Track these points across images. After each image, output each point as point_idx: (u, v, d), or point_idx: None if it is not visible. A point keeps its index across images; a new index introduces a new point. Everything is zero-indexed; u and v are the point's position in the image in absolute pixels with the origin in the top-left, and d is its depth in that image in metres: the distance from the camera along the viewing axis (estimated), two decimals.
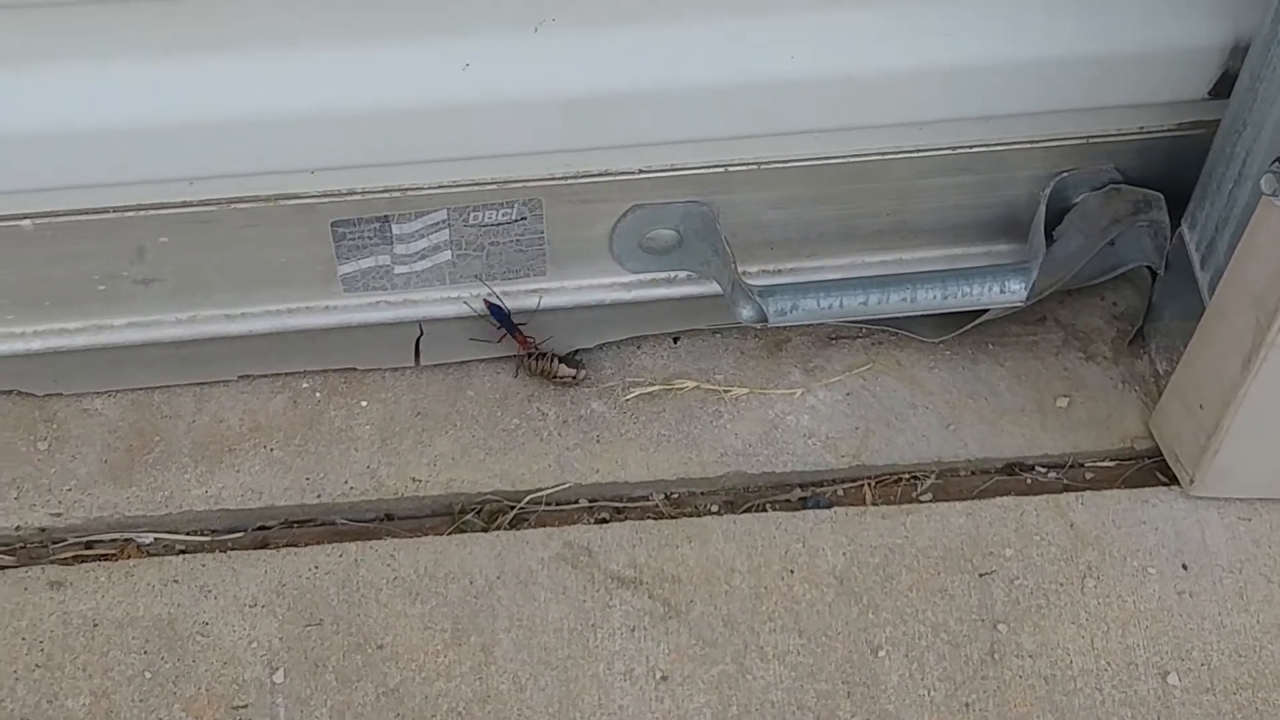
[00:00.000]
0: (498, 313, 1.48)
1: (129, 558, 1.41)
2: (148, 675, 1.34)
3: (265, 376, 1.52)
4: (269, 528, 1.46)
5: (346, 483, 1.44)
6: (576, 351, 1.53)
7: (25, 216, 1.35)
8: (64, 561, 1.43)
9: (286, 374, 1.53)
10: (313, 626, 1.38)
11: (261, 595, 1.39)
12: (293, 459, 1.46)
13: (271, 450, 1.46)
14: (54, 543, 1.45)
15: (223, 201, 1.37)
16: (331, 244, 1.42)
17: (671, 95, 1.33)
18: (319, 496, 1.43)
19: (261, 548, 1.45)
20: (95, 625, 1.38)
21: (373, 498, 1.46)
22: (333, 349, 1.52)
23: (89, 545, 1.45)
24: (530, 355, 1.50)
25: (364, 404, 1.52)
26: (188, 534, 1.45)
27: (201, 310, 1.47)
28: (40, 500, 1.43)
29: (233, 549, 1.45)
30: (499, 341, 1.50)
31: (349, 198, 1.39)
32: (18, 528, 1.42)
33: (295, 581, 1.40)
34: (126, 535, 1.44)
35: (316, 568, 1.39)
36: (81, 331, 1.47)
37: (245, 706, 1.33)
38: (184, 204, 1.37)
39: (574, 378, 1.50)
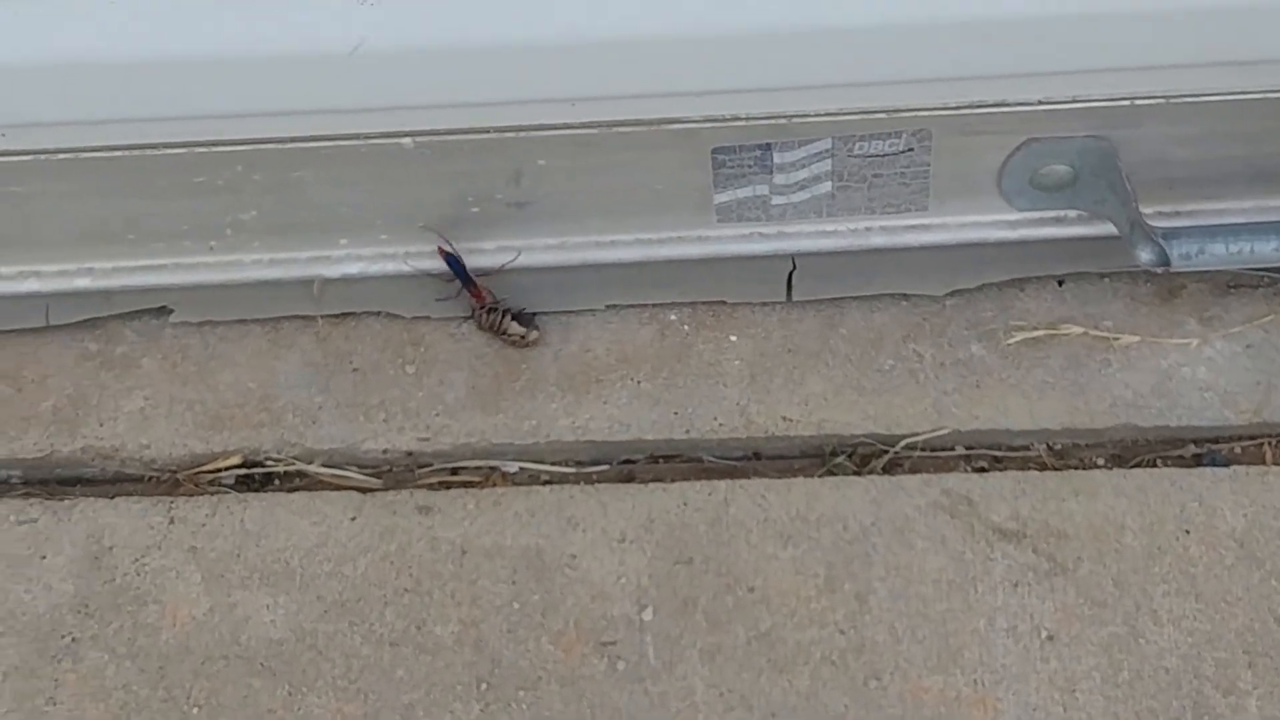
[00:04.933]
0: (453, 263, 1.47)
1: (495, 486, 1.43)
2: (515, 606, 1.37)
3: (633, 307, 1.54)
4: (634, 462, 1.48)
5: (715, 419, 1.46)
6: (532, 313, 1.53)
7: (407, 134, 1.38)
8: (430, 487, 1.46)
9: (654, 305, 1.54)
10: (682, 565, 1.39)
11: (630, 530, 1.41)
12: (660, 392, 1.48)
13: (639, 383, 1.48)
14: (420, 467, 1.49)
15: (603, 124, 1.38)
16: (710, 171, 1.42)
17: (1077, 20, 1.31)
18: (687, 432, 1.45)
19: (627, 481, 1.46)
20: (464, 552, 1.41)
21: (742, 435, 1.47)
22: (703, 281, 1.53)
23: (454, 472, 1.48)
24: (483, 308, 1.50)
25: (733, 338, 1.53)
26: (553, 464, 1.48)
27: (572, 236, 1.49)
28: (408, 424, 1.47)
29: (599, 481, 1.46)
30: (456, 296, 1.51)
31: (732, 124, 1.39)
32: (385, 451, 1.45)
33: (664, 518, 1.42)
34: (492, 463, 1.46)
35: (685, 504, 1.41)
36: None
37: (614, 643, 1.35)
38: (564, 126, 1.38)
39: (523, 337, 1.50)
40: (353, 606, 1.40)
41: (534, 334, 1.52)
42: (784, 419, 1.49)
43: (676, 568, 1.40)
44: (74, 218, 1.44)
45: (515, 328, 1.51)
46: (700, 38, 1.34)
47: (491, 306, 1.51)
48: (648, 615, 1.38)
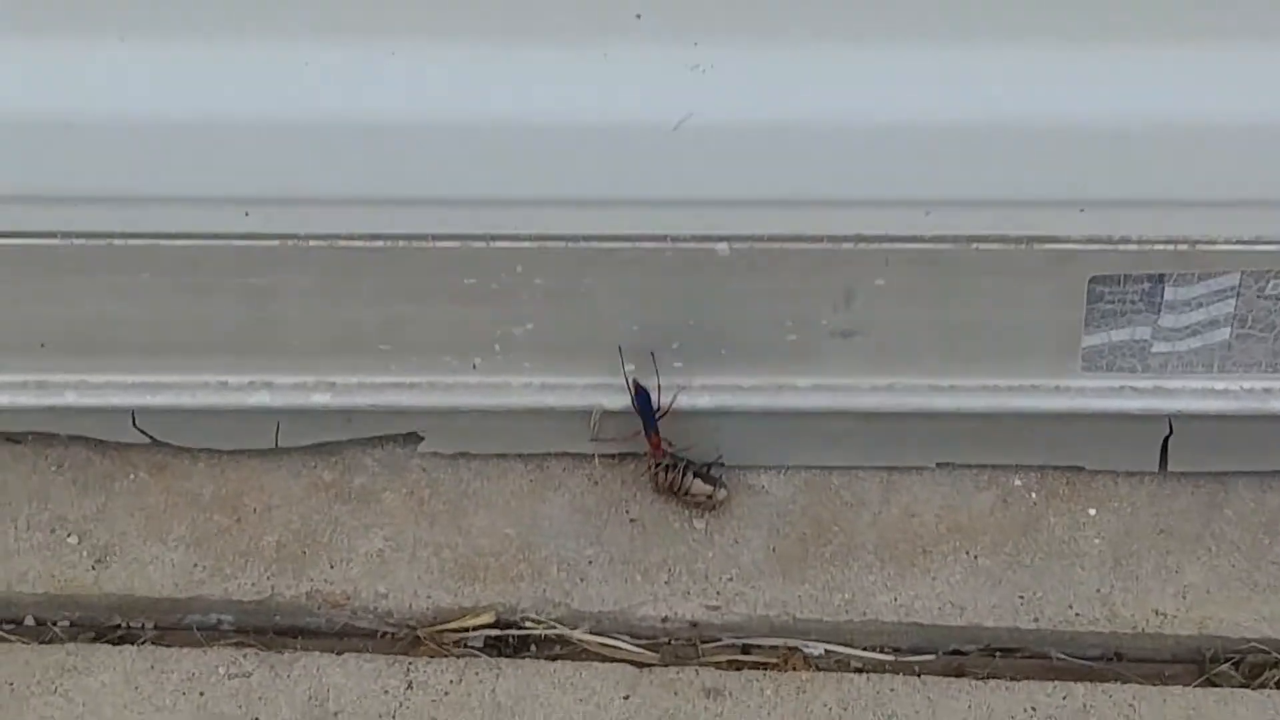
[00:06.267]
0: (645, 403, 1.24)
1: (795, 670, 1.21)
2: None
3: (969, 467, 1.32)
4: (966, 653, 1.26)
5: (1071, 608, 1.25)
6: (712, 466, 1.29)
7: (723, 238, 1.18)
8: (718, 666, 1.25)
9: (995, 467, 1.32)
10: None
11: None
12: (1003, 571, 1.27)
13: (975, 558, 1.28)
14: (705, 642, 1.28)
15: (963, 239, 1.17)
16: (1083, 307, 1.20)
17: None
18: (1035, 621, 1.25)
19: (958, 675, 1.24)
20: None
21: (1103, 630, 1.25)
22: (1057, 441, 1.30)
23: (746, 650, 1.27)
24: (659, 464, 1.26)
25: (1092, 512, 1.31)
26: (865, 649, 1.26)
27: (904, 378, 1.27)
28: (695, 589, 1.28)
29: (923, 674, 1.24)
30: (632, 437, 1.27)
31: (1120, 247, 1.17)
32: (665, 619, 1.25)
33: None
34: (793, 643, 1.26)
35: (1034, 709, 1.21)
36: (758, 390, 1.28)
37: None
38: (914, 238, 1.17)
39: (709, 497, 1.27)
40: None
41: (721, 493, 1.29)
42: (1156, 613, 1.27)
43: None
44: (318, 320, 1.25)
45: (700, 486, 1.29)
46: (1088, 131, 1.12)
47: (670, 463, 1.28)
48: None
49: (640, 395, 1.24)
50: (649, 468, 1.29)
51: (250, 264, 1.21)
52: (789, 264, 1.19)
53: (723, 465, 1.30)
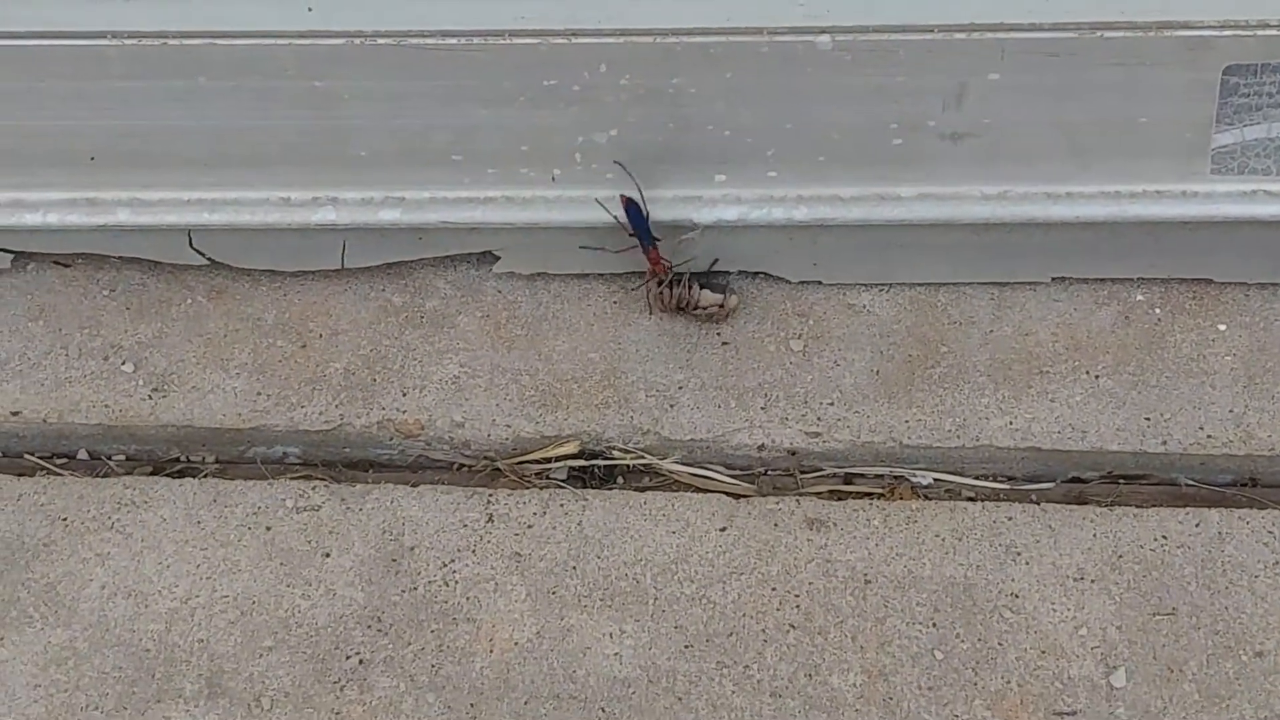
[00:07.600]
0: (635, 215, 1.16)
1: (901, 499, 1.12)
2: (938, 655, 1.10)
3: (1087, 281, 1.24)
4: (1085, 480, 1.18)
5: (1201, 429, 1.18)
6: (717, 273, 1.21)
7: (825, 30, 1.10)
8: (820, 495, 1.18)
9: (1115, 280, 1.24)
10: (1163, 616, 1.11)
11: (1090, 566, 1.12)
12: (1126, 392, 1.19)
13: (1096, 378, 1.20)
14: (803, 471, 1.20)
15: (1086, 26, 1.09)
16: (1215, 101, 1.12)
17: None
18: (1164, 444, 1.17)
19: (1079, 503, 1.16)
20: (867, 582, 1.13)
21: (1237, 453, 1.17)
22: (1183, 252, 1.22)
23: (848, 479, 1.20)
24: (658, 281, 1.19)
25: (1221, 328, 1.22)
26: (977, 478, 1.18)
27: (1018, 185, 1.19)
28: (793, 414, 1.20)
29: (1040, 501, 1.17)
30: (619, 252, 1.19)
31: (1259, 33, 1.09)
32: (762, 446, 1.19)
33: (1136, 553, 1.13)
34: (898, 471, 1.19)
35: (1165, 538, 1.13)
36: (859, 201, 1.21)
37: (1073, 714, 1.07)
38: (1033, 26, 1.09)
39: (720, 306, 1.19)
40: (722, 642, 1.11)
41: (733, 299, 1.22)
42: None
43: (1156, 620, 1.11)
44: (387, 129, 1.18)
45: (709, 296, 1.22)
46: None
47: (672, 279, 1.21)
48: (1119, 680, 1.09)
49: (629, 208, 1.17)
50: (649, 287, 1.20)
51: (314, 65, 1.14)
52: (896, 58, 1.11)
53: (726, 273, 1.23)
